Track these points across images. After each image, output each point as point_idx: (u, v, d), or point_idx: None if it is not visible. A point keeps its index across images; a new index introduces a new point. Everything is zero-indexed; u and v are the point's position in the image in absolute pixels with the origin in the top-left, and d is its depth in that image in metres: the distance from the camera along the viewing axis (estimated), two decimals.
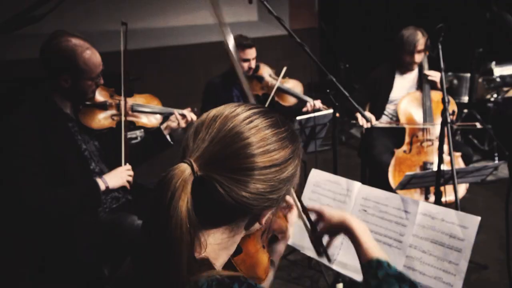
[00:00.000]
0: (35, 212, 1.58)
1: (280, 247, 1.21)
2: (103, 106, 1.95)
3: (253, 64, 2.90)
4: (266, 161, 0.71)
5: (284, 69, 2.97)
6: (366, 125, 2.82)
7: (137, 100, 2.13)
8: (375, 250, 0.96)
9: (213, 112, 0.76)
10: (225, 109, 0.76)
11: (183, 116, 2.16)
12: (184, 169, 0.68)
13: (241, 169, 0.70)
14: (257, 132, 0.72)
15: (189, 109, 2.23)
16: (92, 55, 1.73)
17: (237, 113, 0.74)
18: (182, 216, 0.65)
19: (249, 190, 0.71)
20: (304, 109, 2.91)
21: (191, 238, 0.68)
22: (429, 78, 2.99)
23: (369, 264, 0.93)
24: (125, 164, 1.87)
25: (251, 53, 2.87)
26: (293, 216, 1.20)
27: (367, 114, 2.93)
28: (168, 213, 0.65)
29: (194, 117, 2.21)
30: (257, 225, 0.81)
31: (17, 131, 1.62)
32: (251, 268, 0.99)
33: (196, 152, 0.71)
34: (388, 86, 3.11)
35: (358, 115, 2.85)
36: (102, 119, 1.94)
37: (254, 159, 0.70)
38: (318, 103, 2.87)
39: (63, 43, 1.67)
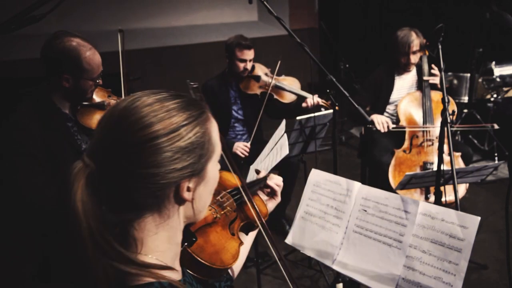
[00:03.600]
0: (35, 211, 1.59)
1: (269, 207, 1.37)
2: (101, 106, 1.96)
3: (249, 66, 2.92)
4: (148, 133, 0.70)
5: (278, 64, 2.95)
6: (384, 129, 2.81)
7: None
8: None
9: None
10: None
11: None
12: (76, 166, 0.72)
13: (130, 147, 0.70)
14: (138, 110, 0.72)
15: None
16: (95, 56, 1.74)
17: (118, 103, 0.75)
18: (77, 210, 0.68)
19: (144, 166, 0.70)
20: (304, 105, 2.91)
21: (96, 232, 0.69)
22: (431, 81, 2.97)
23: None
24: None
25: (249, 54, 2.88)
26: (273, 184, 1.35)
27: (380, 117, 2.90)
28: (68, 210, 0.69)
29: None
30: (188, 204, 0.79)
31: (18, 130, 1.62)
32: (215, 254, 1.04)
33: (89, 149, 0.74)
34: (389, 88, 3.11)
35: (375, 119, 2.83)
36: None
37: (141, 133, 0.70)
38: (316, 98, 2.86)
39: (66, 43, 1.67)
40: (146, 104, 0.73)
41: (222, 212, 1.20)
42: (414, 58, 2.97)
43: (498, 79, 3.89)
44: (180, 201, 0.77)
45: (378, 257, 1.37)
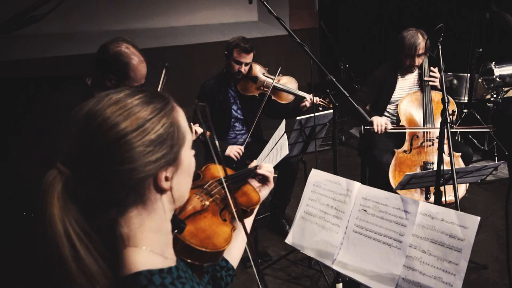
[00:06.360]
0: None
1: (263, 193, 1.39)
2: None
3: (244, 69, 2.88)
4: (116, 132, 0.73)
5: (279, 68, 2.96)
6: (382, 131, 2.79)
7: None
8: None
9: None
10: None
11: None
12: (50, 174, 0.72)
13: (102, 148, 0.72)
14: (101, 111, 0.74)
15: (197, 125, 2.25)
16: (143, 68, 1.90)
17: (80, 109, 0.76)
18: (54, 217, 0.70)
19: (119, 164, 0.73)
20: (302, 104, 2.91)
21: (75, 239, 0.71)
22: (431, 83, 2.97)
23: None
24: None
25: (246, 58, 2.85)
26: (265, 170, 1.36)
27: (380, 119, 2.87)
28: (44, 222, 0.70)
29: (200, 130, 2.22)
30: (169, 192, 0.81)
31: (59, 114, 1.67)
32: (206, 239, 1.08)
33: (62, 156, 0.74)
34: (391, 87, 3.10)
35: (374, 120, 2.80)
36: None
37: (109, 133, 0.72)
38: (310, 97, 2.83)
39: (123, 48, 1.85)
40: (108, 104, 0.75)
41: (211, 200, 1.24)
42: (418, 61, 2.95)
43: (498, 79, 3.89)
44: (161, 191, 0.80)
45: (378, 257, 1.37)
